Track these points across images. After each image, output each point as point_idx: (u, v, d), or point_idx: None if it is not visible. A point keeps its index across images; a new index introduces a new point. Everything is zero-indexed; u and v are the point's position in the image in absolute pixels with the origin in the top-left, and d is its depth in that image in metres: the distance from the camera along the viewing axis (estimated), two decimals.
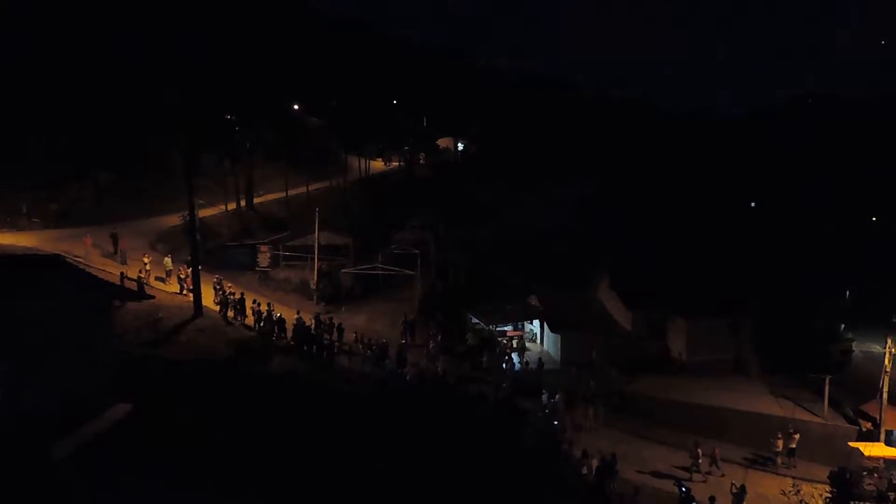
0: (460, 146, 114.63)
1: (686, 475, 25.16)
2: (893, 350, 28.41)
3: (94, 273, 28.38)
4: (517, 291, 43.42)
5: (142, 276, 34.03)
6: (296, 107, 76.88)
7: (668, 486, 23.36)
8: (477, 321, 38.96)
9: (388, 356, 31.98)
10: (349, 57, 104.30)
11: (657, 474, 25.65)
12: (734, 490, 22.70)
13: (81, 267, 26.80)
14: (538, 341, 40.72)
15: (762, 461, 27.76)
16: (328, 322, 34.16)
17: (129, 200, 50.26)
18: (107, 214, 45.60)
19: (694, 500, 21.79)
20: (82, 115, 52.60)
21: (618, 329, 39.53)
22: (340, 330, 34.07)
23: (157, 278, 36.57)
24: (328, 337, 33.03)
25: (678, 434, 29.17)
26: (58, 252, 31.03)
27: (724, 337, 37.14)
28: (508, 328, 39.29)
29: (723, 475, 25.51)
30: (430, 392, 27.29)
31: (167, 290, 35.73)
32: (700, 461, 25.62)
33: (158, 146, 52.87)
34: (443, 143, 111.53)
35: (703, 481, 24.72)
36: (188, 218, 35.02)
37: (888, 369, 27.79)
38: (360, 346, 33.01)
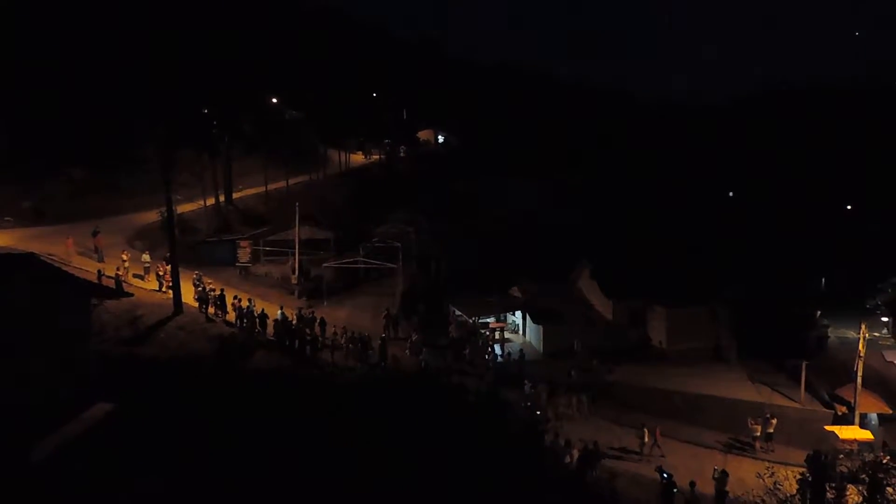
0: (441, 138, 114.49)
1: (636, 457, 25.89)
2: (867, 335, 29.00)
3: (71, 271, 28.03)
4: (499, 283, 43.63)
5: (119, 273, 33.64)
6: (274, 100, 76.15)
7: (651, 472, 23.64)
8: (459, 313, 39.08)
9: (371, 349, 31.98)
10: (328, 49, 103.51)
11: (639, 461, 26.00)
12: (715, 475, 23.07)
13: (57, 265, 26.46)
14: (520, 332, 40.95)
15: (741, 446, 28.21)
16: (310, 317, 34.05)
17: (104, 197, 49.59)
18: (82, 211, 44.95)
19: (675, 487, 22.11)
20: (54, 110, 51.70)
21: (599, 319, 39.85)
22: (322, 324, 33.97)
23: (134, 275, 36.17)
24: (310, 332, 32.92)
25: (659, 421, 29.52)
26: (31, 251, 30.58)
27: (704, 325, 37.64)
28: (491, 320, 39.45)
29: (663, 456, 25.96)
30: (412, 384, 27.33)
31: (146, 287, 35.37)
32: (646, 441, 26.20)
33: (134, 141, 52.12)
34: (423, 135, 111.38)
35: (639, 461, 25.45)
36: (166, 214, 34.66)
37: (862, 354, 28.33)
38: (343, 341, 32.96)
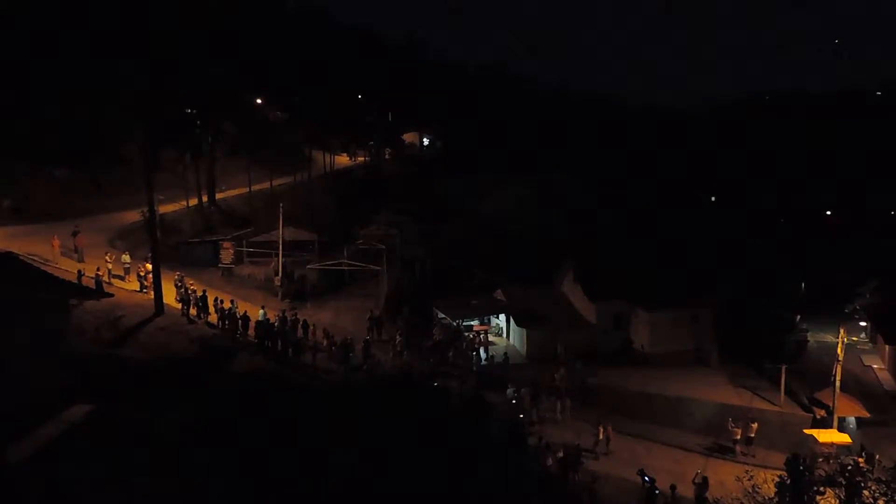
0: (426, 141, 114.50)
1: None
2: (846, 340, 29.39)
3: (52, 271, 27.68)
4: (483, 286, 43.69)
5: (100, 273, 33.28)
6: (259, 101, 75.71)
7: (632, 475, 23.76)
8: (443, 316, 39.08)
9: (354, 352, 31.88)
10: (313, 50, 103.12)
11: (621, 464, 26.12)
12: (696, 480, 23.18)
13: (36, 265, 26.12)
14: (504, 335, 41.02)
15: (721, 450, 28.43)
16: (293, 318, 33.88)
17: (85, 196, 48.98)
18: (63, 211, 44.38)
19: (658, 490, 22.23)
20: (34, 107, 50.99)
21: (582, 322, 40.00)
22: (305, 326, 33.83)
23: (114, 276, 35.79)
24: (293, 334, 32.76)
25: (641, 424, 29.79)
26: (10, 250, 30.12)
27: (685, 328, 37.94)
28: (475, 322, 39.48)
29: (606, 453, 26.40)
30: (396, 387, 27.30)
31: (126, 287, 35.01)
32: (600, 438, 26.48)
33: (116, 140, 51.56)
34: (408, 137, 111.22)
35: (596, 459, 25.67)
36: (148, 214, 34.34)
37: (840, 358, 28.69)
38: (326, 343, 32.83)
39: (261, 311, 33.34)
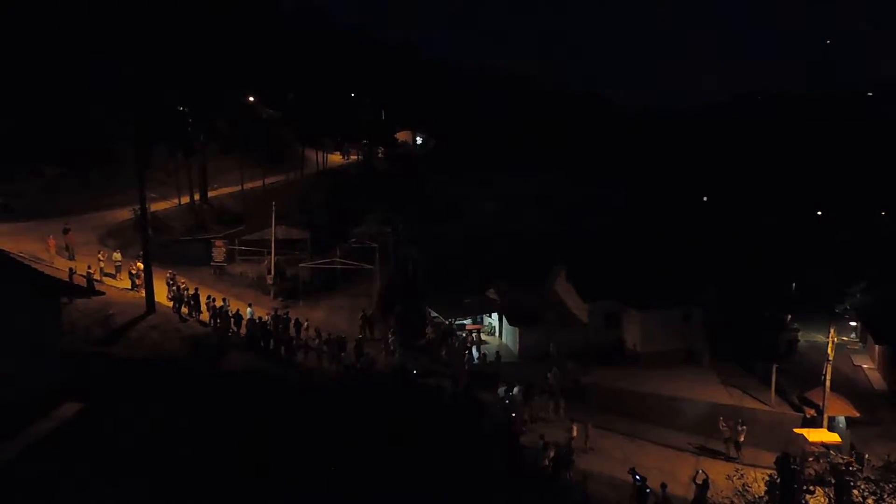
0: (419, 139, 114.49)
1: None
2: (836, 340, 29.56)
3: (42, 269, 27.51)
4: (475, 285, 43.70)
5: (91, 271, 33.12)
6: (251, 99, 75.49)
7: (624, 474, 23.82)
8: (436, 315, 39.09)
9: (346, 350, 31.85)
10: (306, 49, 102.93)
11: (612, 463, 26.18)
12: (698, 480, 23.21)
13: (27, 262, 25.97)
14: (496, 334, 41.06)
15: (712, 448, 28.54)
16: (285, 317, 33.82)
17: (76, 194, 48.70)
18: (53, 208, 44.09)
19: (649, 489, 22.29)
20: (24, 104, 50.67)
21: (574, 321, 40.08)
22: (298, 325, 33.77)
23: (106, 274, 35.63)
24: (285, 332, 32.70)
25: (633, 423, 29.90)
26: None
27: (677, 328, 38.08)
28: (467, 321, 39.50)
29: (591, 449, 26.58)
30: (388, 385, 27.29)
31: (118, 286, 34.85)
32: (574, 436, 26.49)
33: (107, 137, 51.30)
34: (401, 136, 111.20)
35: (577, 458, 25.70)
36: (139, 212, 34.19)
37: (831, 358, 28.86)
38: (318, 341, 32.78)
39: (248, 309, 33.28)
